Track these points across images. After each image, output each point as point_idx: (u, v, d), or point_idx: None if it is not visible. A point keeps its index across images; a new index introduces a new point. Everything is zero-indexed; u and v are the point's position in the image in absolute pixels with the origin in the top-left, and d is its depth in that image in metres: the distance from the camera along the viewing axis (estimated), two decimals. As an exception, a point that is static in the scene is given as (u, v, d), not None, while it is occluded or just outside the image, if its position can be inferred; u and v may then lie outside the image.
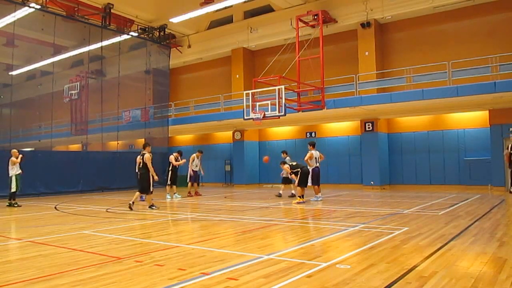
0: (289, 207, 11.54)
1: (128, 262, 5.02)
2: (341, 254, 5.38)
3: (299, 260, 4.96)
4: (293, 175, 12.76)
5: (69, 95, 21.67)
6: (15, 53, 18.34)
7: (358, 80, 17.40)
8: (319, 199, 12.92)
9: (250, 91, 16.18)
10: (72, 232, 7.65)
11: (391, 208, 10.70)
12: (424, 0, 16.85)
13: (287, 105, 15.58)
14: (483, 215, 8.86)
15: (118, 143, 21.74)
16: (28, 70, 23.98)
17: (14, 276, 4.52)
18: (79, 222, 9.03)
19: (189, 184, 15.85)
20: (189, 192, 15.90)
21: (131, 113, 22.72)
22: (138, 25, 22.05)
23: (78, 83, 21.49)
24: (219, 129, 23.15)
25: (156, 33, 22.42)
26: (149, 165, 11.16)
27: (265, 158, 14.79)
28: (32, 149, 19.34)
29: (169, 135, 23.25)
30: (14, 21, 16.96)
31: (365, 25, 18.20)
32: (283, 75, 16.13)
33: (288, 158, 14.49)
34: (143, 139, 22.77)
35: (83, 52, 20.67)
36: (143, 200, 13.69)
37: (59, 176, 17.63)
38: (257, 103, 15.88)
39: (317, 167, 12.80)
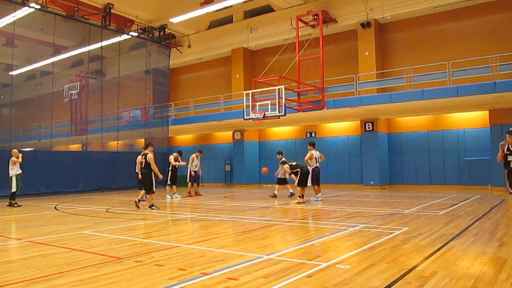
0: (289, 207, 11.54)
1: (128, 262, 5.02)
2: (341, 254, 5.38)
3: (299, 260, 4.96)
4: (292, 175, 12.75)
5: (69, 95, 21.66)
6: (15, 53, 18.35)
7: (358, 80, 17.40)
8: (319, 199, 12.92)
9: (250, 91, 16.18)
10: (72, 232, 7.65)
11: (391, 208, 10.70)
12: (424, 0, 16.85)
13: (287, 105, 15.58)
14: (483, 215, 8.86)
15: (118, 143, 21.74)
16: (28, 70, 23.98)
17: (14, 276, 4.52)
18: (79, 222, 9.03)
19: (189, 184, 15.85)
20: (189, 192, 15.90)
21: (131, 113, 22.72)
22: (138, 25, 22.05)
23: (78, 83, 21.48)
24: (219, 129, 23.15)
25: (156, 33, 22.42)
26: (153, 165, 11.19)
27: (264, 169, 14.86)
28: (32, 149, 19.33)
29: (169, 135, 23.25)
30: (14, 21, 16.96)
31: (365, 25, 18.20)
32: (283, 75, 16.13)
33: (283, 158, 14.55)
34: (143, 139, 22.79)
35: (83, 52, 20.66)
36: (143, 200, 13.70)
37: (59, 176, 17.63)
38: (257, 103, 15.88)
39: (317, 167, 12.79)
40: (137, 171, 13.82)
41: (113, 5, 19.38)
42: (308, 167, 12.65)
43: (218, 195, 16.53)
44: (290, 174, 12.95)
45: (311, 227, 8.17)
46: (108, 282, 4.18)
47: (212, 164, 23.59)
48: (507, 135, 7.79)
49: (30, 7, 17.04)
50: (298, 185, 12.46)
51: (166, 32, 22.63)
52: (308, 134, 21.13)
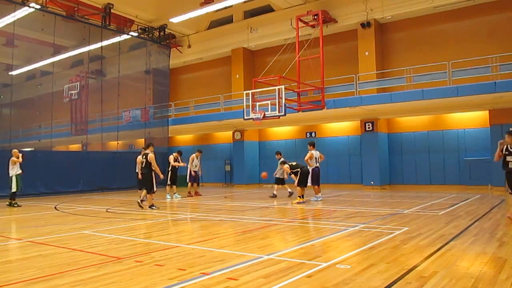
0: (289, 207, 11.54)
1: (128, 262, 5.02)
2: (341, 254, 5.38)
3: (299, 260, 4.96)
4: (292, 175, 12.74)
5: (69, 95, 21.66)
6: (15, 53, 18.35)
7: (358, 80, 17.40)
8: (319, 199, 12.92)
9: (250, 91, 16.17)
10: (72, 232, 7.65)
11: (391, 208, 10.70)
12: (424, 0, 16.85)
13: (287, 105, 15.57)
14: (483, 215, 8.86)
15: (118, 143, 21.74)
16: (28, 70, 23.98)
17: (14, 276, 4.52)
18: (79, 222, 9.03)
19: (189, 184, 15.85)
20: (189, 192, 15.90)
21: (131, 113, 22.72)
22: (138, 25, 22.05)
23: (78, 83, 21.48)
24: (219, 129, 23.15)
25: (156, 33, 22.42)
26: (154, 164, 11.21)
27: (264, 174, 14.89)
28: (32, 149, 19.33)
29: (169, 135, 23.25)
30: (14, 21, 16.96)
31: (365, 25, 18.20)
32: (283, 75, 16.12)
33: (282, 158, 14.58)
34: (143, 139, 22.80)
35: (83, 52, 20.66)
36: (143, 200, 13.70)
37: (59, 176, 17.62)
38: (257, 103, 15.88)
39: (317, 167, 12.79)
40: (137, 171, 13.87)
41: (113, 5, 19.38)
42: (308, 167, 12.65)
43: (218, 195, 16.53)
44: (290, 174, 12.94)
45: (311, 227, 8.17)
46: (108, 282, 4.19)
47: (212, 164, 23.59)
48: (507, 135, 7.76)
49: (30, 7, 17.04)
50: (298, 185, 12.46)
51: (166, 32, 22.62)
52: (308, 134, 21.13)
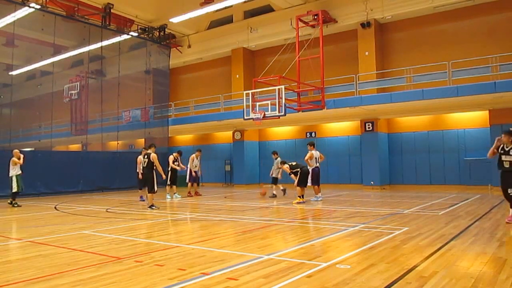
0: (289, 207, 11.54)
1: (128, 262, 5.02)
2: (341, 254, 5.38)
3: (299, 260, 4.96)
4: (292, 175, 12.74)
5: (69, 95, 21.67)
6: (15, 53, 18.35)
7: (358, 80, 17.40)
8: (319, 199, 12.92)
9: (250, 91, 16.17)
10: (72, 232, 7.65)
11: (391, 208, 10.70)
12: (424, 0, 16.85)
13: (287, 105, 15.57)
14: (483, 215, 8.86)
15: (118, 143, 21.74)
16: (28, 70, 23.98)
17: (14, 276, 4.52)
18: (79, 222, 9.03)
19: (189, 184, 15.85)
20: (189, 192, 15.90)
21: (131, 113, 22.71)
22: (138, 25, 22.05)
23: (78, 83, 21.49)
24: (219, 129, 23.15)
25: (156, 33, 22.41)
26: (157, 164, 11.27)
27: (263, 191, 14.90)
28: (32, 149, 19.33)
29: (169, 135, 23.25)
30: (14, 21, 16.96)
31: (365, 25, 18.20)
32: (283, 75, 16.12)
33: (278, 158, 14.61)
34: (143, 139, 22.81)
35: (83, 52, 20.66)
36: (143, 200, 13.72)
37: (59, 176, 17.62)
38: (257, 103, 15.87)
39: (317, 167, 12.80)
40: (138, 171, 13.88)
41: (113, 5, 19.38)
42: (308, 167, 12.66)
43: (218, 195, 16.53)
44: (290, 174, 12.94)
45: (311, 227, 8.17)
46: (108, 282, 4.19)
47: (212, 164, 23.59)
48: (503, 135, 7.73)
49: (30, 7, 17.04)
50: (298, 185, 12.46)
51: (166, 32, 22.62)
52: (308, 134, 21.13)
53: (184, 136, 26.28)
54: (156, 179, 11.46)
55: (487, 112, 16.42)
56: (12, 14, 16.80)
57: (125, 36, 21.48)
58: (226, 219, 9.20)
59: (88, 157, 19.59)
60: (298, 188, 12.51)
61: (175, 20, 20.59)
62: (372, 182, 18.09)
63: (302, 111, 17.33)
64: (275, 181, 14.75)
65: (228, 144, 23.70)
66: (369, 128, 18.37)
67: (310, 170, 12.61)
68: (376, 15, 18.09)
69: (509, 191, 7.53)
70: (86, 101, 20.95)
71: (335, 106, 16.75)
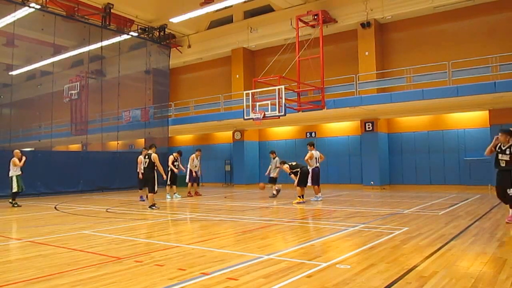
0: (289, 207, 11.54)
1: (128, 262, 5.02)
2: (341, 254, 5.38)
3: (299, 260, 4.96)
4: (292, 175, 12.74)
5: (69, 95, 21.67)
6: (15, 53, 18.36)
7: (358, 80, 17.40)
8: (319, 199, 12.92)
9: (250, 91, 16.17)
10: (72, 232, 7.65)
11: (391, 208, 10.70)
12: (424, 0, 16.85)
13: (287, 105, 15.57)
14: (483, 215, 8.87)
15: (118, 143, 21.74)
16: (28, 70, 23.99)
17: (14, 276, 4.52)
18: (79, 222, 9.03)
19: (189, 184, 15.85)
20: (189, 192, 15.90)
21: (131, 113, 22.72)
22: (138, 25, 22.05)
23: (78, 83, 21.49)
24: (219, 129, 23.15)
25: (156, 33, 22.41)
26: (158, 164, 11.31)
27: (261, 185, 14.92)
28: (32, 149, 19.34)
29: (169, 135, 23.25)
30: (14, 21, 16.96)
31: (365, 25, 18.20)
32: (283, 75, 16.12)
33: (276, 158, 14.61)
34: (143, 139, 22.81)
35: (83, 52, 20.67)
36: (143, 200, 13.73)
37: (59, 176, 17.62)
38: (257, 103, 15.88)
39: (317, 167, 12.80)
40: (138, 170, 13.89)
41: (113, 5, 19.38)
42: (308, 167, 12.66)
43: (218, 195, 16.53)
44: (289, 174, 12.94)
45: (311, 227, 8.17)
46: (108, 282, 4.19)
47: (212, 164, 23.59)
48: (500, 134, 7.73)
49: (30, 7, 17.04)
50: (298, 185, 12.46)
51: (166, 32, 22.62)
52: (308, 134, 21.13)
53: (184, 136, 26.28)
54: (157, 179, 11.48)
55: (487, 112, 16.42)
56: (12, 14, 16.80)
57: (125, 36, 21.48)
58: (226, 219, 9.20)
59: (88, 157, 19.59)
60: (298, 188, 12.51)
61: (175, 20, 20.59)
62: (372, 182, 18.09)
63: (302, 111, 17.33)
64: (273, 180, 14.77)
65: (228, 144, 23.70)
66: (369, 128, 18.37)
67: (310, 170, 12.61)
68: (376, 15, 18.09)
69: (509, 192, 7.51)
70: (86, 101, 20.95)
71: (335, 106, 16.75)
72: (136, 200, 14.17)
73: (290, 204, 12.15)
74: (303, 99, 17.81)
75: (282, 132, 22.27)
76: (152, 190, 11.40)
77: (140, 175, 13.55)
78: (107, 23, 19.83)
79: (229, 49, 22.66)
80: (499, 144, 7.71)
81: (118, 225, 8.47)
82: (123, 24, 21.66)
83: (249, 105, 15.88)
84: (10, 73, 20.72)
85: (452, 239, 6.17)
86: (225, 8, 21.38)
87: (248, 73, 22.31)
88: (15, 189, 12.73)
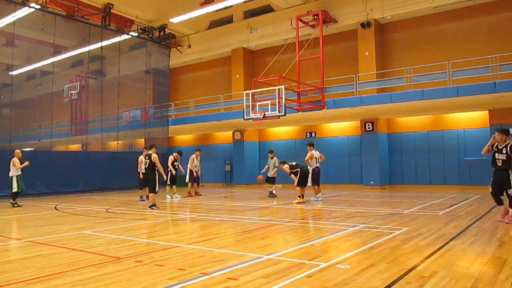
0: (289, 207, 11.54)
1: (128, 262, 5.02)
2: (341, 254, 5.38)
3: (299, 260, 4.96)
4: (292, 175, 12.74)
5: (69, 95, 21.67)
6: (15, 53, 18.35)
7: (358, 80, 17.40)
8: (319, 199, 12.92)
9: (250, 91, 16.17)
10: (72, 232, 7.65)
11: (391, 208, 10.70)
12: (424, 0, 16.85)
13: (287, 105, 15.57)
14: (483, 215, 8.86)
15: (118, 143, 21.74)
16: (28, 70, 23.99)
17: (14, 276, 4.52)
18: (79, 222, 9.03)
19: (189, 184, 15.85)
20: (189, 192, 15.90)
21: (131, 113, 22.72)
22: (138, 25, 22.05)
23: (78, 83, 21.49)
24: (219, 129, 23.15)
25: (156, 33, 22.41)
26: (158, 164, 11.32)
27: (260, 177, 14.92)
28: (32, 149, 19.33)
29: (169, 135, 23.25)
30: (14, 21, 16.96)
31: (365, 25, 18.20)
32: (283, 75, 16.12)
33: (275, 158, 14.62)
34: (143, 139, 22.81)
35: (83, 52, 20.66)
36: (143, 200, 13.74)
37: (59, 176, 17.62)
38: (257, 103, 15.88)
39: (317, 167, 12.81)
40: (139, 170, 13.91)
41: (113, 5, 19.38)
42: (309, 167, 12.66)
43: (218, 195, 16.53)
44: (289, 174, 12.95)
45: (311, 227, 8.17)
46: (108, 282, 4.19)
47: (212, 164, 23.59)
48: (497, 133, 7.76)
49: (30, 7, 17.04)
50: (298, 185, 12.46)
51: (166, 32, 22.62)
52: (308, 134, 21.13)
53: (184, 136, 26.28)
54: (158, 179, 11.50)
55: (487, 112, 16.42)
56: (12, 14, 16.80)
57: (125, 36, 21.48)
58: (226, 219, 9.20)
59: (88, 157, 19.59)
60: (298, 188, 12.51)
61: (175, 20, 20.59)
62: (372, 182, 18.09)
63: (302, 111, 17.33)
64: (272, 180, 14.77)
65: (228, 144, 23.70)
66: (369, 128, 18.37)
67: (310, 170, 12.62)
68: (376, 15, 18.09)
69: (509, 192, 7.52)
70: (86, 101, 20.95)
71: (335, 106, 16.75)
72: (136, 200, 14.17)
73: (290, 204, 12.15)
74: (303, 99, 17.81)
75: (282, 132, 22.27)
76: (153, 190, 11.42)
77: (141, 175, 13.56)
78: (107, 23, 19.83)
79: (229, 49, 22.66)
80: (496, 144, 7.74)
81: (118, 225, 8.47)
82: (123, 24, 21.66)
83: (249, 105, 15.88)
84: (10, 73, 20.72)
85: (452, 239, 6.17)
86: (225, 8, 21.38)
87: (248, 73, 22.31)
88: (15, 189, 12.73)
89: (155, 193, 11.48)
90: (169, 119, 22.87)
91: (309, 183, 12.57)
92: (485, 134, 16.27)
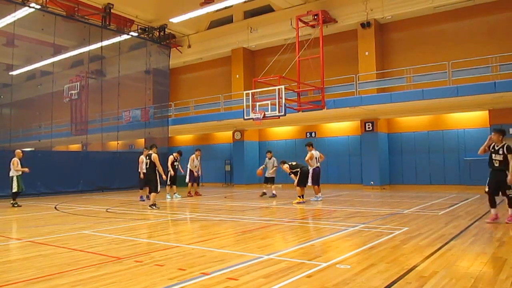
0: (289, 207, 11.54)
1: (128, 262, 5.02)
2: (341, 254, 5.38)
3: (299, 260, 4.96)
4: (292, 175, 12.74)
5: (69, 95, 21.67)
6: (15, 53, 18.35)
7: (358, 80, 17.40)
8: (319, 199, 12.92)
9: (250, 91, 16.17)
10: (72, 232, 7.65)
11: (391, 208, 10.70)
12: (424, 0, 16.85)
13: (287, 105, 15.57)
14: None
15: (118, 143, 21.74)
16: (28, 70, 23.99)
17: (14, 276, 4.52)
18: (79, 222, 9.03)
19: (189, 184, 15.85)
20: (189, 192, 15.90)
21: (131, 113, 22.72)
22: (138, 25, 22.05)
23: (78, 83, 21.49)
24: (219, 129, 23.15)
25: (156, 33, 22.41)
26: (158, 165, 11.32)
27: (259, 171, 14.94)
28: (32, 149, 19.34)
29: (169, 135, 23.25)
30: (14, 21, 16.96)
31: (365, 25, 18.20)
32: (283, 75, 16.12)
33: (273, 158, 14.65)
34: (143, 139, 22.80)
35: (83, 52, 20.66)
36: (143, 200, 13.74)
37: (59, 176, 17.62)
38: (257, 103, 15.88)
39: (317, 167, 12.81)
40: (139, 170, 13.91)
41: (113, 5, 19.38)
42: (309, 167, 12.66)
43: (218, 195, 16.53)
44: (289, 174, 12.94)
45: (311, 227, 8.17)
46: (108, 282, 4.19)
47: (212, 164, 23.58)
48: (493, 133, 7.74)
49: (30, 7, 17.04)
50: (298, 185, 12.46)
51: (166, 32, 22.62)
52: (308, 134, 21.13)
53: (184, 136, 26.28)
54: (161, 178, 11.53)
55: (487, 112, 16.42)
56: (12, 14, 16.79)
57: (125, 36, 21.48)
58: (226, 219, 9.20)
59: (88, 157, 19.59)
60: (298, 188, 12.51)
61: (175, 20, 20.59)
62: (372, 182, 18.09)
63: (302, 111, 17.33)
64: (271, 180, 14.77)
65: (228, 144, 23.70)
66: (369, 128, 18.37)
67: (310, 170, 12.62)
68: (376, 15, 18.09)
69: (508, 193, 7.53)
70: (86, 101, 20.95)
71: (335, 106, 16.76)
72: (136, 200, 14.17)
73: (290, 204, 12.15)
74: (303, 99, 17.81)
75: (282, 132, 22.27)
76: (154, 190, 11.44)
77: (142, 175, 13.56)
78: (107, 23, 19.83)
79: (229, 49, 22.66)
80: (493, 144, 7.73)
81: (118, 225, 8.47)
82: (123, 24, 21.65)
83: (249, 105, 15.88)
84: (10, 73, 20.72)
85: (452, 239, 6.17)
86: (225, 8, 21.38)
87: (248, 73, 22.31)
88: (15, 189, 12.73)
89: (157, 193, 11.50)
90: (169, 119, 22.87)
91: (309, 183, 12.57)
92: (485, 134, 16.09)
